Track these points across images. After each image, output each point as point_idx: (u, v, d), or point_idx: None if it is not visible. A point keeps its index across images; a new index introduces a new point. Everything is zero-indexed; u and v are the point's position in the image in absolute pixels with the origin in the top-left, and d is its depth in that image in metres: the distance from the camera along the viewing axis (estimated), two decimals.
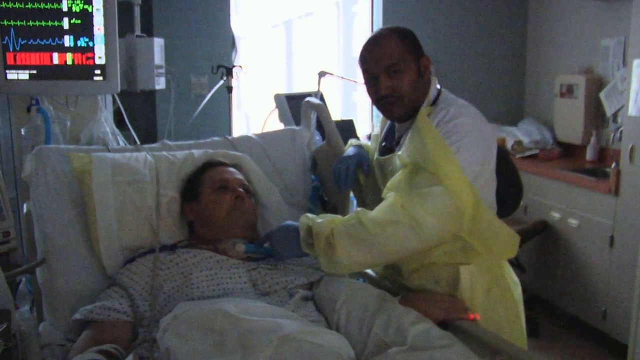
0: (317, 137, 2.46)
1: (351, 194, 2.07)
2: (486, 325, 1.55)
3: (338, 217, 1.60)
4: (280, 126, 2.86)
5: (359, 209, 1.58)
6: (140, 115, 3.39)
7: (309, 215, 1.64)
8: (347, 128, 3.02)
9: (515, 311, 1.67)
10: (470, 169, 1.52)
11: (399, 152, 1.64)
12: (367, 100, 4.37)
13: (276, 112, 3.03)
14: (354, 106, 4.61)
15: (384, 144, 1.81)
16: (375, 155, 1.84)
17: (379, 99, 1.66)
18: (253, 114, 4.18)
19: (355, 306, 1.50)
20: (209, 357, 1.25)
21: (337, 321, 1.50)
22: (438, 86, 1.71)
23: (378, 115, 4.14)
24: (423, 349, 1.31)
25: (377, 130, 1.93)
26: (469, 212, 1.51)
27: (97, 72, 2.31)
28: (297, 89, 4.12)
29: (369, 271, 1.89)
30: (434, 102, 1.66)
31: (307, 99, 2.25)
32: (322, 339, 1.34)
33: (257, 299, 1.56)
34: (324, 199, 2.18)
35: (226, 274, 1.62)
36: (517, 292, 1.71)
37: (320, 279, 1.69)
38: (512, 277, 1.72)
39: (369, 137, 2.01)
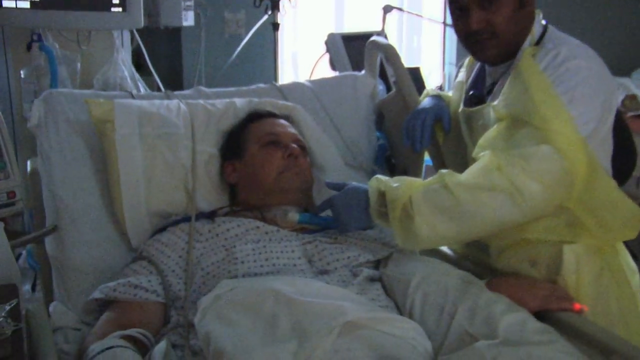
0: (381, 87, 2.46)
1: (426, 156, 2.09)
2: (594, 319, 1.54)
3: (417, 180, 1.61)
4: (332, 73, 2.87)
5: (443, 170, 1.57)
6: (164, 57, 3.41)
7: (381, 177, 1.65)
8: (413, 77, 3.01)
9: (631, 303, 1.65)
10: (585, 126, 1.50)
11: (494, 102, 1.64)
12: (437, 45, 4.34)
13: (327, 55, 3.04)
14: (418, 52, 4.58)
15: (471, 92, 1.80)
16: (461, 107, 1.84)
17: (468, 36, 1.65)
18: (299, 57, 4.18)
19: (433, 290, 1.51)
20: (258, 345, 1.27)
21: (410, 307, 1.52)
22: (543, 21, 1.69)
23: (451, 63, 4.13)
24: (518, 344, 1.30)
25: (461, 76, 1.92)
26: (581, 179, 1.50)
27: (115, 1, 2.29)
28: (351, 27, 4.09)
29: (446, 249, 1.90)
30: (539, 41, 1.64)
31: (373, 38, 2.25)
32: (394, 327, 1.35)
33: (314, 278, 1.59)
34: (392, 161, 2.20)
35: (276, 247, 1.65)
36: (635, 280, 1.68)
37: (389, 256, 1.71)
38: (629, 263, 1.70)
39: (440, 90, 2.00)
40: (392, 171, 2.18)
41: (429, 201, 1.53)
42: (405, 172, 2.08)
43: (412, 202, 1.53)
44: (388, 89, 2.59)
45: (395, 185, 1.59)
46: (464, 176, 1.54)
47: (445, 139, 1.92)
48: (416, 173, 2.07)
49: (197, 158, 1.87)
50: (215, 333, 1.31)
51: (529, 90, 1.54)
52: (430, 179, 1.59)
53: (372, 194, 1.63)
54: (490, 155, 1.53)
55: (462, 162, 1.74)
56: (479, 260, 1.80)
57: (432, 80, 4.18)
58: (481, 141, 1.60)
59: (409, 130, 1.87)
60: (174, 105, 1.95)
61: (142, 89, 2.62)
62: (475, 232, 1.58)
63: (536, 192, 1.47)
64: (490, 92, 1.73)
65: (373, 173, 2.04)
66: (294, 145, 1.86)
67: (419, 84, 3.21)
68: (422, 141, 1.85)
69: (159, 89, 2.53)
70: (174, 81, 3.32)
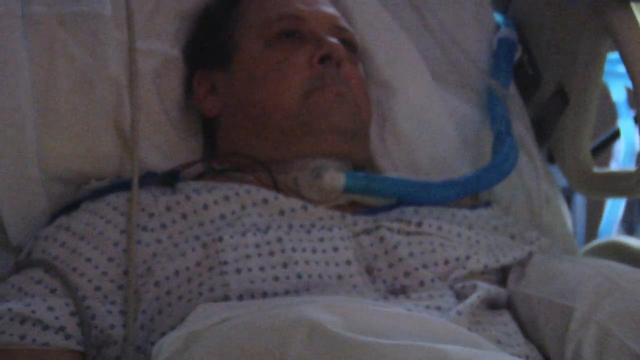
0: None
1: None
2: None
3: None
4: None
5: None
6: None
7: None
8: None
9: None
10: None
11: None
12: None
13: None
14: None
15: None
16: None
17: None
18: None
19: (621, 322, 1.48)
20: None
21: (574, 356, 1.51)
22: None
23: None
24: None
25: None
26: None
27: None
28: None
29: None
30: None
31: None
32: None
33: (380, 301, 1.56)
34: (529, 72, 2.21)
35: (303, 241, 1.64)
36: None
37: (528, 258, 1.72)
38: None
39: None
40: (529, 96, 2.21)
41: None
42: (564, 96, 2.08)
43: None
44: None
45: None
46: None
47: None
48: (591, 96, 2.03)
49: (141, 65, 1.86)
50: None
51: None
52: None
53: None
54: None
55: None
56: None
57: None
58: None
59: None
60: None
61: None
62: None
63: None
64: None
65: (488, 94, 2.09)
66: (333, 40, 1.83)
67: None
68: None
69: None
70: None
